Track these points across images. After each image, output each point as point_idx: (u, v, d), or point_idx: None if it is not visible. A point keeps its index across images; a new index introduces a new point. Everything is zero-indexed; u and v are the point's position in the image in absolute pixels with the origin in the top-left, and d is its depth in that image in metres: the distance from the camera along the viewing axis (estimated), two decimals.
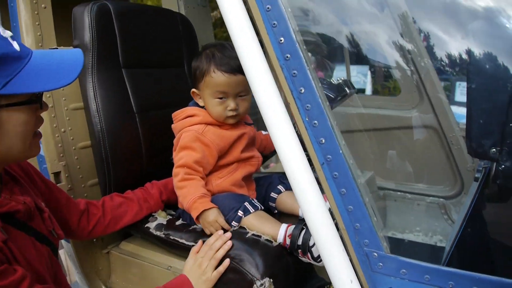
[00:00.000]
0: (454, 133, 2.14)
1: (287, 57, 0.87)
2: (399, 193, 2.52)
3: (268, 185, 1.57)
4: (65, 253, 1.60)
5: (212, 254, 1.22)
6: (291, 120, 0.88)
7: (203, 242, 1.30)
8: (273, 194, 1.55)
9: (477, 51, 1.05)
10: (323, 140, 0.85)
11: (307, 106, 0.86)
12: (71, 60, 0.96)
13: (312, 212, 0.81)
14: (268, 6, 0.88)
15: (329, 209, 0.87)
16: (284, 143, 0.82)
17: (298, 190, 0.82)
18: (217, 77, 1.34)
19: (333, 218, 0.87)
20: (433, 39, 2.23)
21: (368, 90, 2.58)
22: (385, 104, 2.56)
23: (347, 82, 1.71)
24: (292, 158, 0.81)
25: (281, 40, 0.87)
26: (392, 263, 0.83)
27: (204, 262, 1.21)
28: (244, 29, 0.83)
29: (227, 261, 1.22)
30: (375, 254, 0.84)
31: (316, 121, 0.85)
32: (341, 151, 0.83)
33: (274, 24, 0.87)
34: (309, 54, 0.86)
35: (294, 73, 0.87)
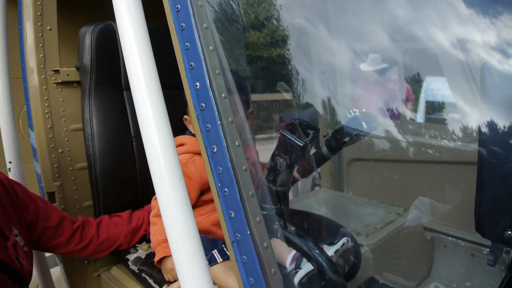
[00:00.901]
0: None
1: (202, 106, 0.71)
2: (450, 238, 2.16)
3: None
4: (59, 273, 1.60)
5: None
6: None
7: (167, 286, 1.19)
8: None
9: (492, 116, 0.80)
10: (233, 214, 0.67)
11: (219, 169, 0.69)
12: None
13: None
14: (187, 44, 0.73)
15: None
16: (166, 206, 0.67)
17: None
18: None
19: None
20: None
21: (420, 116, 2.25)
22: (440, 133, 2.21)
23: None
24: (175, 232, 0.65)
25: (196, 85, 0.71)
26: None
27: None
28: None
29: None
30: None
31: (226, 189, 0.68)
32: (249, 232, 0.65)
33: (191, 65, 0.72)
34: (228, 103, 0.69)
35: (207, 127, 0.70)
